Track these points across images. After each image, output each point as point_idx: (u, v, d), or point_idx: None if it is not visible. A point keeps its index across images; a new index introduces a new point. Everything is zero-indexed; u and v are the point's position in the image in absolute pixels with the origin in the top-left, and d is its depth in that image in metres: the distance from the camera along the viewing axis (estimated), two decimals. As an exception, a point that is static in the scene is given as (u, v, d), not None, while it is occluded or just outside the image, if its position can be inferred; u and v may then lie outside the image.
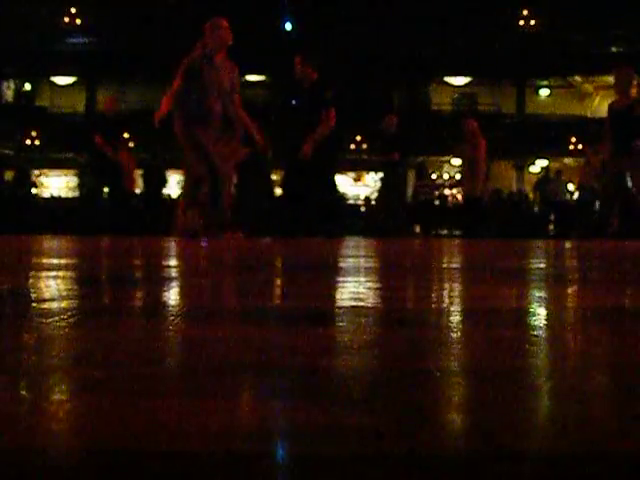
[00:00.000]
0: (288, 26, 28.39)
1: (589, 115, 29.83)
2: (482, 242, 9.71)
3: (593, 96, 30.61)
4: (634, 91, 9.67)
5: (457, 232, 16.22)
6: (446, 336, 1.21)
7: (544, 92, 30.96)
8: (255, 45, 22.89)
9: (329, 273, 2.87)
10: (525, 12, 28.78)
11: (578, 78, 30.55)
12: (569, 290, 2.31)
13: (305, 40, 26.67)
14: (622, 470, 0.54)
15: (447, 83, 30.75)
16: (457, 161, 19.84)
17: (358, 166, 28.73)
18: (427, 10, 27.11)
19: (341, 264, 3.67)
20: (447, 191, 22.01)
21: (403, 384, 0.82)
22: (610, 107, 9.59)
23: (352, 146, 27.86)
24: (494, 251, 6.01)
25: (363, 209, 22.12)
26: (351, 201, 25.80)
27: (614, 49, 28.50)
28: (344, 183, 29.49)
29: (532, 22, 28.87)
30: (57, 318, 1.37)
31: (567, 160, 27.12)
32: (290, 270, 3.20)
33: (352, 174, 29.71)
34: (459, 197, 25.84)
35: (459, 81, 30.70)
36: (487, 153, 12.45)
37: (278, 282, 2.49)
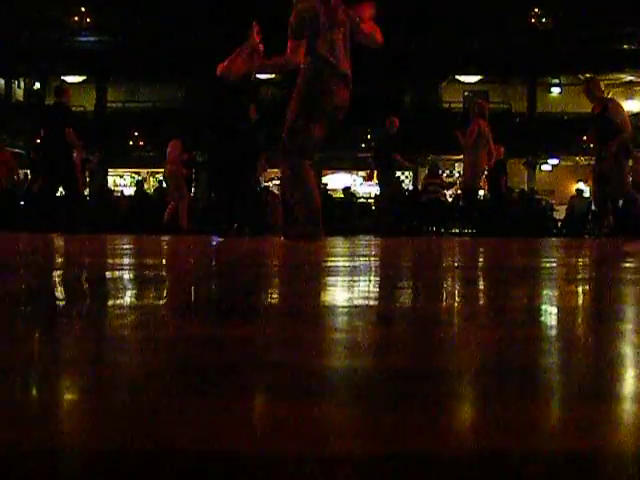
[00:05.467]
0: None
1: (601, 113, 29.74)
2: (489, 241, 9.66)
3: (605, 94, 30.51)
4: (599, 99, 10.24)
5: (465, 230, 16.27)
6: (454, 334, 1.18)
7: (555, 90, 30.90)
8: (265, 45, 22.88)
9: (330, 273, 2.84)
10: (536, 10, 28.73)
11: (589, 76, 30.48)
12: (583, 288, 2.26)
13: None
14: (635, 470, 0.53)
15: (458, 81, 30.73)
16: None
17: (369, 165, 28.75)
18: (438, 8, 27.08)
19: (338, 264, 3.64)
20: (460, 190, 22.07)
21: (410, 383, 0.81)
22: (592, 114, 10.17)
23: (362, 145, 27.86)
24: (495, 250, 5.96)
25: (374, 207, 22.16)
26: (362, 200, 25.83)
27: (625, 46, 28.42)
28: (355, 182, 29.51)
29: (543, 20, 28.82)
30: (72, 317, 1.39)
31: (578, 158, 27.07)
32: (296, 269, 3.17)
33: (363, 173, 29.70)
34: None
35: (470, 79, 30.68)
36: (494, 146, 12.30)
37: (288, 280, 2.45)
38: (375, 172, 14.56)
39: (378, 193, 15.94)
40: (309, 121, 6.28)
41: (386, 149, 13.90)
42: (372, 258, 4.53)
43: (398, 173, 27.30)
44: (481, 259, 4.54)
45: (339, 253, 5.01)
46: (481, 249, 6.27)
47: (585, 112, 28.34)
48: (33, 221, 11.92)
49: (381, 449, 0.57)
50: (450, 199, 20.96)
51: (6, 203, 14.81)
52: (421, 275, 2.93)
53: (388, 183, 14.27)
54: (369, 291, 2.12)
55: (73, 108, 14.75)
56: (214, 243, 6.73)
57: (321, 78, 6.39)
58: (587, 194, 20.35)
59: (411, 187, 26.50)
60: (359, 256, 4.64)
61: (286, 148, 6.26)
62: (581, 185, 23.65)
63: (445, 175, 26.75)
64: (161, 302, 1.72)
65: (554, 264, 4.02)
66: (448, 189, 20.03)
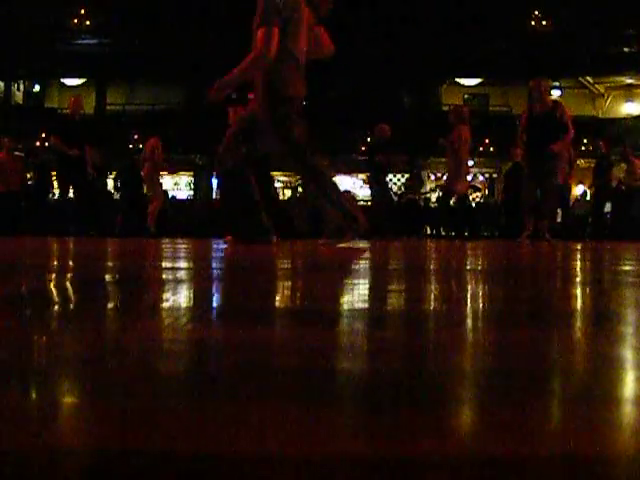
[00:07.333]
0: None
1: (600, 116, 29.78)
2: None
3: (605, 97, 30.56)
4: (550, 98, 10.39)
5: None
6: (451, 337, 1.16)
7: (555, 93, 30.88)
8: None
9: (333, 274, 2.85)
10: (536, 12, 28.73)
11: (589, 79, 30.49)
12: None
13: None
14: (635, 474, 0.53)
15: (458, 84, 30.74)
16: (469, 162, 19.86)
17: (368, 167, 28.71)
18: (438, 11, 27.09)
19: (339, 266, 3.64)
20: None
21: (410, 385, 0.81)
22: (528, 113, 10.23)
23: (362, 147, 27.85)
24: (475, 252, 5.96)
25: (372, 211, 22.17)
26: (362, 202, 25.84)
27: (626, 49, 28.43)
28: (354, 184, 29.50)
29: (543, 22, 28.82)
30: (68, 319, 1.41)
31: (579, 161, 27.06)
32: (298, 271, 3.17)
33: (362, 175, 29.70)
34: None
35: (470, 82, 30.69)
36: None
37: (288, 283, 2.45)
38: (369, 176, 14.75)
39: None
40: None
41: (374, 154, 13.95)
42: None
43: (398, 176, 27.43)
44: (473, 261, 4.54)
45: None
46: (472, 251, 6.27)
47: (585, 115, 28.31)
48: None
49: (382, 450, 0.57)
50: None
51: None
52: (411, 278, 2.93)
53: (379, 187, 14.31)
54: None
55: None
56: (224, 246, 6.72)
57: (286, 79, 5.93)
58: (588, 197, 20.36)
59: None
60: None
61: (221, 157, 6.06)
62: (581, 187, 23.65)
63: (444, 179, 26.76)
64: (167, 305, 1.72)
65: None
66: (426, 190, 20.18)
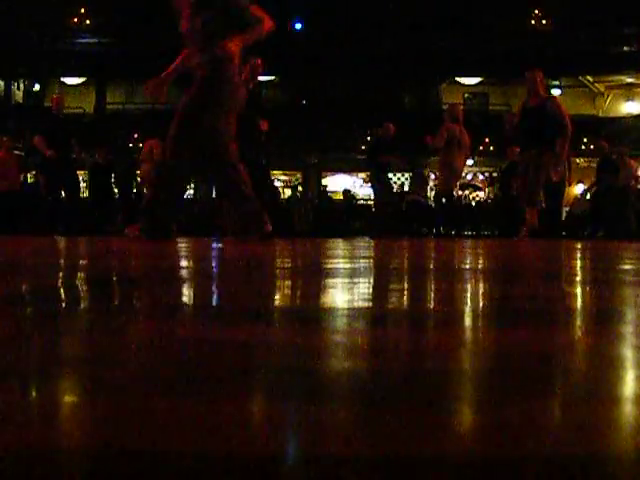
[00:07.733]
0: (298, 26, 28.42)
1: (601, 115, 29.79)
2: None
3: (605, 96, 30.57)
4: (544, 92, 10.28)
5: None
6: (451, 337, 1.16)
7: (555, 92, 30.89)
8: (265, 45, 22.83)
9: (328, 275, 2.85)
10: (536, 11, 28.73)
11: (590, 78, 30.49)
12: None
13: (315, 40, 26.72)
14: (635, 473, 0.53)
15: (458, 83, 30.75)
16: (469, 161, 19.87)
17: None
18: (438, 9, 27.09)
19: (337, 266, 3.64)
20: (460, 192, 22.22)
21: (408, 385, 0.81)
22: (522, 106, 10.17)
23: (362, 147, 27.87)
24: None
25: (374, 209, 22.18)
26: (362, 201, 25.84)
27: (626, 48, 28.43)
28: (355, 184, 29.49)
29: (544, 21, 28.83)
30: (69, 318, 1.40)
31: (579, 160, 27.08)
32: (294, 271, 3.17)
33: (363, 174, 29.71)
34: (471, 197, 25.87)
35: (470, 81, 30.70)
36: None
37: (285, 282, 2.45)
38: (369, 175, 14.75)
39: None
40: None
41: (377, 153, 13.93)
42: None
43: (398, 175, 27.42)
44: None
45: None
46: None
47: (585, 114, 28.31)
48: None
49: (382, 450, 0.57)
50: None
51: None
52: (412, 277, 2.93)
53: (380, 186, 14.30)
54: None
55: (73, 110, 14.82)
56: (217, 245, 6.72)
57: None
58: (588, 196, 20.37)
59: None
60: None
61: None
62: (581, 186, 23.65)
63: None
64: (166, 304, 1.72)
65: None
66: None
